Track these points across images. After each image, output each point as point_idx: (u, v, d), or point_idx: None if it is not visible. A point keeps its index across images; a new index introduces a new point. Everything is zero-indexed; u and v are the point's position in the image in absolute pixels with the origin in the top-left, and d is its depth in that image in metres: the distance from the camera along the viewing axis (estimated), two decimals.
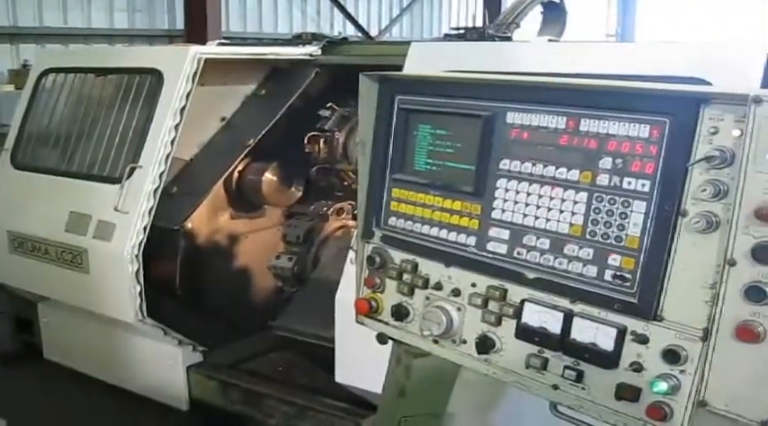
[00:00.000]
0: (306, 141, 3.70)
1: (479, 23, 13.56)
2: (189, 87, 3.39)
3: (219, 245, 3.80)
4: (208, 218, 3.72)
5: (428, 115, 1.88)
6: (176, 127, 3.39)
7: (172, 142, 3.38)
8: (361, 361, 2.61)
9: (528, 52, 2.80)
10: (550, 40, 3.60)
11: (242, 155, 3.74)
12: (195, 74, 3.40)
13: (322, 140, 3.70)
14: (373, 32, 12.24)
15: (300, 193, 3.99)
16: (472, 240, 1.79)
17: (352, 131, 3.69)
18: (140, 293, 3.30)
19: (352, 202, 3.70)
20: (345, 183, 3.81)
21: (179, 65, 3.42)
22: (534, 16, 3.72)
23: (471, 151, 1.78)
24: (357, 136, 1.99)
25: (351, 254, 2.60)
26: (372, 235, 2.00)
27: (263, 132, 3.72)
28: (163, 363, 3.58)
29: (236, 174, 3.81)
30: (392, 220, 1.97)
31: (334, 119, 3.72)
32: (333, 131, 3.69)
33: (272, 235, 3.97)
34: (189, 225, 3.60)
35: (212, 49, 3.64)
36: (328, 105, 3.75)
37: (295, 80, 3.88)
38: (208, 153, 3.85)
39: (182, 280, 3.57)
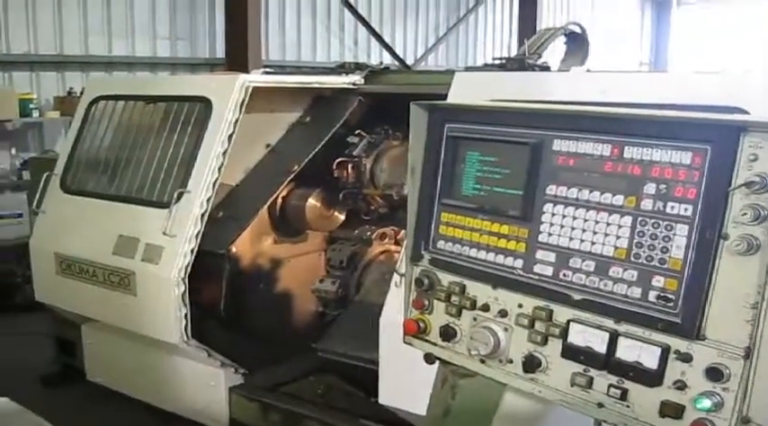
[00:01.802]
0: (335, 166, 3.82)
1: (513, 52, 13.68)
2: (237, 115, 3.52)
3: (263, 269, 3.90)
4: (252, 243, 3.83)
5: (477, 142, 1.98)
6: (224, 153, 3.51)
7: (219, 168, 3.49)
8: (405, 383, 2.68)
9: (568, 81, 2.91)
10: (589, 71, 3.70)
11: (286, 181, 3.85)
12: (243, 102, 3.53)
13: (350, 165, 3.83)
14: (409, 61, 12.42)
15: (343, 218, 4.08)
16: (519, 262, 1.88)
17: (379, 157, 3.84)
18: (186, 315, 3.40)
19: (395, 227, 3.79)
20: (372, 208, 3.91)
21: (227, 93, 3.55)
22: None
23: (519, 177, 1.88)
24: (408, 162, 2.09)
25: (395, 277, 2.69)
26: (421, 257, 2.10)
27: (307, 159, 3.83)
28: (205, 384, 3.67)
29: (280, 200, 3.92)
30: (440, 243, 2.07)
31: (361, 146, 3.87)
32: (360, 157, 3.82)
33: (314, 259, 4.07)
34: (234, 249, 3.71)
35: (259, 78, 3.76)
36: (357, 132, 3.87)
37: (338, 108, 4.00)
38: (253, 178, 3.97)
39: (226, 303, 3.66)
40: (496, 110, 2.01)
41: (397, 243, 3.80)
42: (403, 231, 3.59)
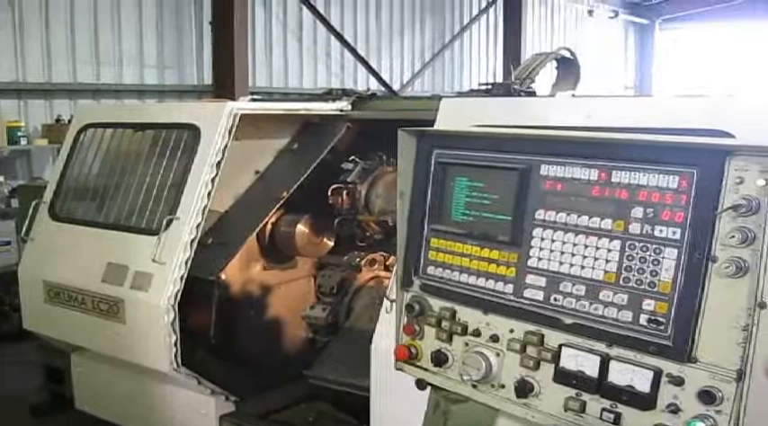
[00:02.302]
0: (329, 193, 3.82)
1: (499, 77, 13.84)
2: (225, 141, 3.51)
3: (253, 296, 3.89)
4: (241, 269, 3.81)
5: (465, 168, 2.01)
6: (213, 180, 3.49)
7: (208, 195, 3.48)
8: (396, 409, 2.66)
9: (554, 106, 2.92)
10: (573, 95, 3.73)
11: (275, 208, 3.84)
12: (231, 129, 3.52)
13: (345, 192, 3.83)
14: (396, 86, 12.50)
15: (332, 244, 4.07)
16: (510, 287, 1.89)
17: (374, 184, 3.83)
18: (175, 342, 3.37)
19: (384, 253, 3.79)
20: (368, 234, 3.91)
21: (216, 120, 3.55)
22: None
23: (507, 202, 1.90)
24: (397, 187, 2.11)
25: (386, 303, 2.68)
26: (411, 283, 2.11)
27: (296, 185, 3.83)
28: (195, 413, 3.63)
29: (269, 226, 3.91)
30: (431, 269, 2.08)
31: (356, 172, 3.86)
32: (355, 183, 3.82)
33: (304, 285, 4.05)
34: (223, 275, 3.69)
35: (247, 105, 3.76)
36: (351, 158, 3.88)
37: (326, 134, 4.01)
38: (242, 205, 3.95)
39: (216, 330, 3.64)
40: (484, 135, 2.03)
41: (387, 268, 3.79)
42: (392, 257, 3.60)
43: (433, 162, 2.06)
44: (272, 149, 4.14)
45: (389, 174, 3.86)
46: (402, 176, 2.12)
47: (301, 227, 3.93)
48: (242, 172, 4.00)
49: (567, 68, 3.70)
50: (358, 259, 3.76)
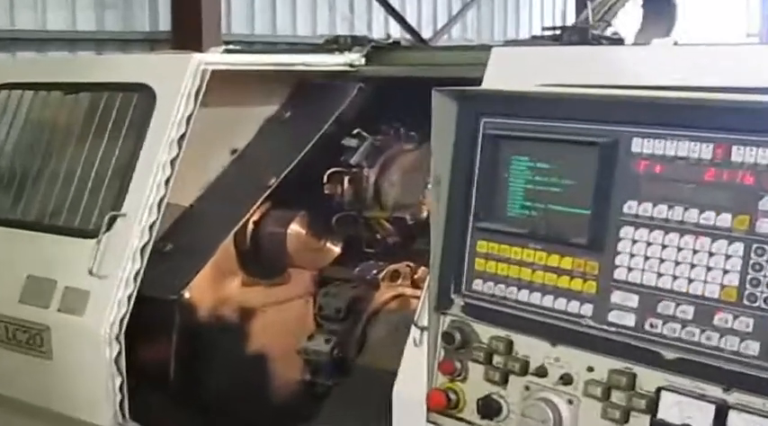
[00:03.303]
0: (325, 180, 3.84)
1: (570, 20, 13.73)
2: (190, 109, 3.53)
3: (228, 322, 3.90)
4: (213, 286, 3.82)
5: (526, 143, 2.03)
6: (172, 162, 3.52)
7: (166, 182, 3.50)
8: None
9: (649, 58, 2.92)
10: (676, 44, 3.71)
11: (260, 201, 3.86)
12: (198, 91, 3.54)
13: (346, 178, 3.84)
14: (426, 34, 12.50)
15: (338, 251, 4.09)
16: (588, 309, 1.91)
17: (387, 167, 3.85)
18: (121, 386, 3.39)
19: (411, 263, 3.80)
20: (377, 236, 3.93)
21: (176, 79, 3.56)
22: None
23: (585, 190, 1.91)
24: (431, 171, 2.13)
25: (414, 333, 2.69)
26: (450, 304, 2.15)
27: (288, 169, 3.85)
28: None
29: (250, 226, 3.92)
30: (477, 284, 2.11)
31: (362, 151, 3.86)
32: (361, 167, 3.84)
33: (300, 308, 4.06)
34: (187, 294, 3.70)
35: (220, 58, 3.78)
36: (355, 132, 3.89)
37: (329, 99, 4.03)
38: (213, 197, 3.99)
39: (177, 369, 3.65)
40: (552, 98, 2.04)
41: (415, 284, 3.80)
42: (423, 268, 3.60)
43: (480, 135, 2.08)
44: (254, 120, 4.16)
45: (409, 154, 3.87)
46: (437, 155, 2.14)
47: (295, 228, 3.93)
48: (213, 151, 4.03)
49: (659, 8, 3.69)
50: (375, 271, 3.77)
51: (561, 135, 1.97)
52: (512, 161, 2.04)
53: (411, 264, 3.82)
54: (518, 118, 2.03)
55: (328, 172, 3.84)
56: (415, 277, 3.82)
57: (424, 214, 3.40)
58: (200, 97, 3.55)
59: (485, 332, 2.08)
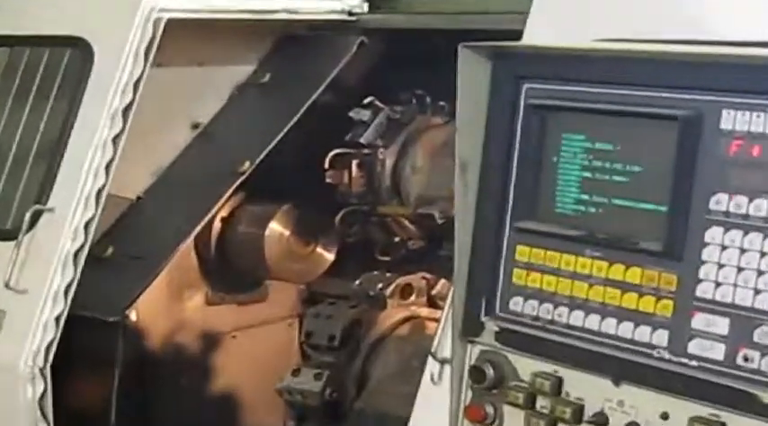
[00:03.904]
0: (327, 164, 3.83)
1: None
2: (138, 71, 3.52)
3: (187, 352, 3.90)
4: (167, 304, 3.83)
5: (581, 117, 2.02)
6: (115, 140, 3.51)
7: (107, 168, 3.50)
8: None
9: (748, 5, 2.89)
10: None
11: (229, 192, 3.86)
12: (149, 47, 3.53)
13: (355, 163, 3.84)
14: None
15: (331, 258, 4.10)
16: (662, 336, 1.90)
17: (409, 147, 3.85)
18: None
19: (426, 275, 3.80)
20: (396, 240, 3.95)
21: (121, 31, 3.55)
22: None
23: (659, 180, 1.91)
24: (456, 153, 2.10)
25: (432, 367, 2.69)
26: (480, 329, 2.16)
27: (267, 150, 3.85)
28: None
29: (217, 225, 3.94)
30: (516, 303, 2.12)
31: (375, 127, 3.86)
32: (374, 147, 3.83)
33: (281, 333, 4.08)
34: (134, 316, 3.69)
35: (178, 3, 3.74)
36: (367, 100, 3.87)
37: (322, 57, 4.03)
38: (169, 187, 4.00)
39: (121, 412, 3.66)
40: (616, 57, 2.03)
41: (432, 302, 3.80)
42: (443, 281, 3.64)
43: (521, 106, 2.08)
44: (223, 84, 4.18)
45: (438, 130, 3.87)
46: (464, 133, 2.15)
47: (276, 228, 3.94)
48: (169, 126, 4.05)
49: None
50: (380, 285, 3.77)
51: (628, 106, 1.96)
52: (563, 140, 2.04)
53: (427, 276, 3.81)
54: (571, 83, 2.02)
55: (331, 154, 3.83)
56: (434, 293, 3.81)
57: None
58: (152, 55, 3.54)
59: (526, 366, 2.08)
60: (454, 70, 2.11)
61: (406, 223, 3.86)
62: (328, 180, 3.84)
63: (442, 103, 3.85)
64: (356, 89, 3.99)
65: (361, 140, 3.84)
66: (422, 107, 3.92)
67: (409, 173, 3.82)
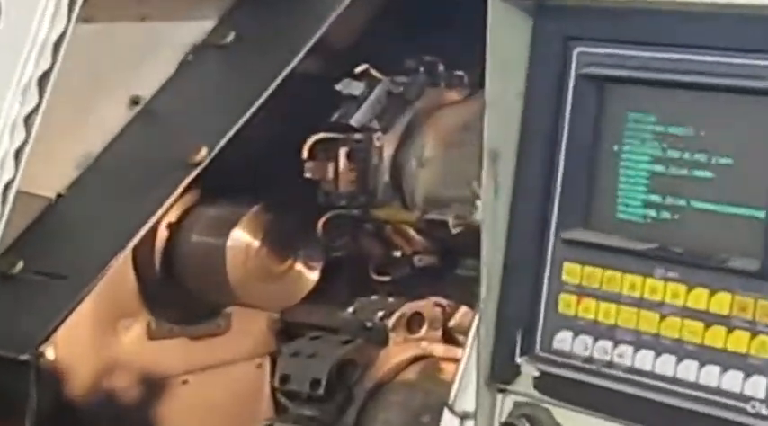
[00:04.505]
0: (306, 153, 3.80)
1: None
2: (59, 29, 3.53)
3: (122, 400, 3.92)
4: (96, 337, 3.85)
5: (651, 91, 2.01)
6: (27, 121, 3.52)
7: (17, 155, 3.51)
8: None
9: None
10: None
11: (179, 188, 3.87)
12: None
13: (342, 152, 3.83)
14: None
15: (315, 277, 4.11)
16: (758, 385, 1.88)
17: (416, 130, 3.86)
18: None
19: (441, 301, 3.79)
20: (398, 254, 3.95)
21: None
22: None
23: (756, 176, 1.90)
24: (484, 142, 2.09)
25: (450, 422, 2.69)
26: (515, 374, 2.15)
27: (231, 133, 3.85)
28: None
29: (163, 233, 3.97)
30: (562, 340, 2.10)
31: (371, 104, 3.85)
32: (368, 131, 3.82)
33: (248, 376, 4.08)
34: (51, 352, 3.70)
35: None
36: (360, 69, 3.87)
37: (304, 12, 4.03)
38: (98, 182, 4.02)
39: None
40: (702, 10, 2.00)
41: (449, 337, 3.80)
42: (464, 309, 3.66)
43: (572, 75, 2.07)
44: (171, 47, 4.19)
45: (455, 109, 3.89)
46: (495, 113, 2.14)
47: (241, 236, 3.96)
48: (100, 100, 4.05)
49: None
50: (380, 313, 3.76)
51: (716, 77, 1.94)
52: (627, 122, 2.03)
53: (442, 302, 3.81)
54: (639, 46, 2.01)
55: (311, 140, 3.82)
56: (451, 324, 3.82)
57: (480, 216, 3.37)
58: (78, 7, 3.55)
59: (576, 421, 2.08)
60: (478, 29, 2.10)
61: (412, 232, 3.86)
62: (307, 174, 3.84)
63: (459, 73, 3.86)
64: (347, 54, 3.99)
65: (351, 122, 3.83)
66: (433, 78, 3.92)
67: (415, 167, 3.81)
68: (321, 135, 3.82)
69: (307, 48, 3.94)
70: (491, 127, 2.12)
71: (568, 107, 2.05)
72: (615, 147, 2.03)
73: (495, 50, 2.10)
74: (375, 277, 3.94)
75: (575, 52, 2.05)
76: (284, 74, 3.90)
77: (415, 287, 3.88)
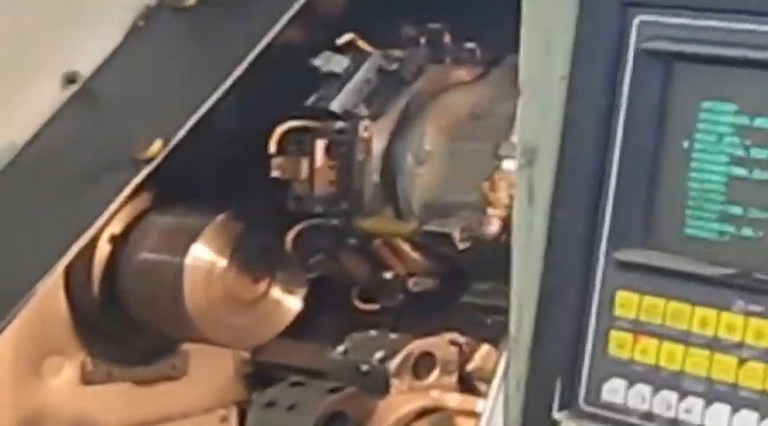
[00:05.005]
0: (275, 146, 3.79)
1: None
2: None
3: None
4: (16, 381, 3.87)
5: (731, 74, 1.99)
6: None
7: None
8: None
9: None
10: None
11: (126, 191, 3.86)
12: None
13: (320, 145, 3.82)
14: None
15: (298, 306, 4.10)
16: None
17: (412, 121, 3.87)
18: None
19: (458, 338, 3.79)
20: (390, 276, 3.95)
21: None
22: None
23: None
24: (517, 137, 2.08)
25: None
26: None
27: (192, 122, 3.85)
28: None
29: (104, 248, 3.98)
30: (613, 389, 2.08)
31: (355, 85, 3.85)
32: (354, 118, 3.82)
33: None
34: None
35: None
36: (344, 39, 3.88)
37: None
38: (23, 182, 4.03)
39: None
40: None
41: (467, 384, 3.80)
42: (486, 347, 3.65)
43: (631, 51, 2.05)
44: (118, 10, 4.17)
45: (464, 91, 3.91)
46: (530, 98, 2.13)
47: (203, 254, 3.95)
48: (27, 77, 4.06)
49: None
50: (380, 353, 3.76)
51: None
52: (700, 112, 2.01)
53: (460, 340, 3.81)
54: (716, 15, 1.99)
55: (280, 129, 3.81)
56: (469, 368, 3.82)
57: (494, 228, 3.37)
58: None
59: None
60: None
61: (407, 248, 3.85)
62: (275, 173, 3.82)
63: (469, 45, 3.86)
64: (330, 21, 3.99)
65: (332, 106, 3.83)
66: (436, 51, 3.92)
67: (412, 164, 3.80)
68: (292, 123, 3.82)
69: (292, 12, 3.94)
70: (526, 118, 2.12)
71: (625, 93, 2.03)
72: (685, 144, 2.01)
73: (533, 20, 2.09)
74: (359, 305, 3.93)
75: (635, 22, 2.04)
76: (262, 45, 3.89)
77: (411, 317, 3.87)
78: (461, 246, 3.62)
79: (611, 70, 2.04)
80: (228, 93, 3.85)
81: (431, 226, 3.71)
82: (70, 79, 4.09)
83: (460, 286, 3.81)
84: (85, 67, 4.11)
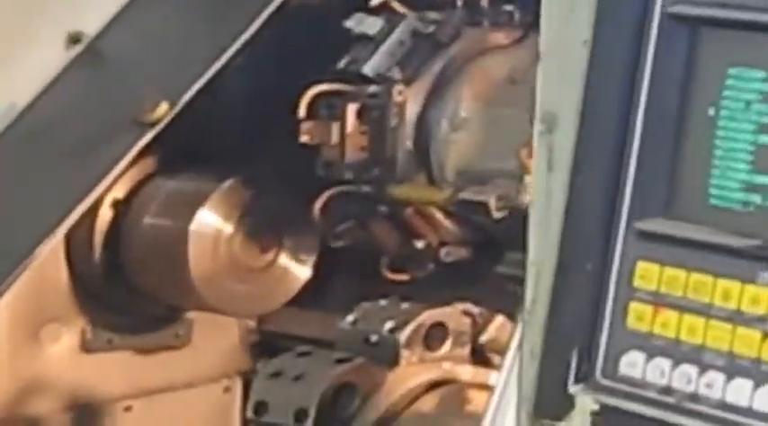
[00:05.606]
0: (304, 111, 3.79)
1: None
2: None
3: None
4: (14, 347, 3.88)
5: (760, 39, 1.97)
6: None
7: None
8: None
9: None
10: None
11: (130, 154, 3.86)
12: None
13: (351, 109, 3.82)
14: None
15: (306, 274, 4.11)
16: None
17: (447, 87, 3.88)
18: None
19: (471, 308, 3.78)
20: (420, 246, 3.94)
21: None
22: None
23: None
24: (537, 103, 2.08)
25: None
26: (568, 407, 2.12)
27: (200, 84, 3.84)
28: None
29: (106, 213, 3.99)
30: (631, 362, 2.07)
31: (389, 48, 3.85)
32: (387, 82, 3.81)
33: (212, 402, 4.09)
34: None
35: None
36: (378, 1, 3.85)
37: None
38: (23, 145, 4.02)
39: None
40: None
41: (481, 356, 3.80)
42: (501, 318, 3.65)
43: (656, 15, 2.04)
44: None
45: (500, 56, 3.89)
46: (551, 63, 2.14)
47: (209, 219, 3.95)
48: (30, 37, 4.05)
49: None
50: (390, 323, 3.76)
51: None
52: (727, 79, 1.99)
53: (473, 310, 3.80)
54: None
55: (310, 93, 3.81)
56: (483, 340, 3.81)
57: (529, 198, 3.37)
58: None
59: None
60: None
61: (440, 216, 3.85)
62: (304, 138, 3.82)
63: (508, 8, 3.85)
64: None
65: (365, 70, 3.82)
66: (473, 14, 3.91)
67: (447, 130, 3.80)
68: (323, 86, 3.81)
69: None
70: (546, 83, 2.11)
71: (650, 58, 2.03)
72: (711, 112, 2.00)
73: None
74: (388, 275, 3.92)
75: None
76: (272, 6, 3.88)
77: (441, 288, 3.87)
78: (497, 215, 3.62)
79: (635, 35, 2.04)
80: (240, 54, 3.84)
81: (466, 194, 3.71)
82: (75, 39, 4.08)
83: (494, 256, 3.80)
84: (91, 27, 4.10)
